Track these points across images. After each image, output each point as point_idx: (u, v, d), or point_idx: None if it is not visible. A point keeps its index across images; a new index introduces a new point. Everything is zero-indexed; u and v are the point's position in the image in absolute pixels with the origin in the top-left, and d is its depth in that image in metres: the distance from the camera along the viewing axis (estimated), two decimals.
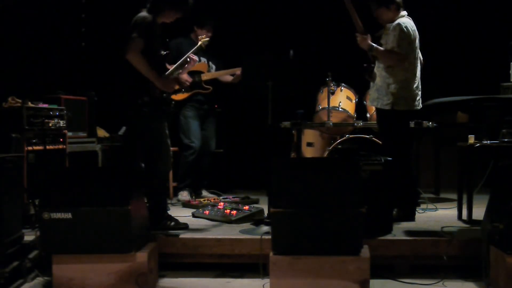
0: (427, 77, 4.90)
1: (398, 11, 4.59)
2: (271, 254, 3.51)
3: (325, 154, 5.59)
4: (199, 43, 4.87)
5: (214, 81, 5.91)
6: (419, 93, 4.62)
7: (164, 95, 4.27)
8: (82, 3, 6.48)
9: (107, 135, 5.92)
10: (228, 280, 3.93)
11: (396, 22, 4.51)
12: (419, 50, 4.76)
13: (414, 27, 4.56)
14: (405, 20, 4.53)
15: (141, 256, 3.60)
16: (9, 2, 5.52)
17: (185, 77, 5.12)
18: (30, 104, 4.66)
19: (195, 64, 4.68)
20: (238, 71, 5.69)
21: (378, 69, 4.63)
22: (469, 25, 6.64)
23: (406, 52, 4.46)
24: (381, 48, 4.52)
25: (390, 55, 4.50)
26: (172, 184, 6.02)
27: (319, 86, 5.78)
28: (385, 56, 4.52)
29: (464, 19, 6.66)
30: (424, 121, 5.26)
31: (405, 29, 4.46)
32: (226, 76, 5.90)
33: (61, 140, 4.94)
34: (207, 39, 4.91)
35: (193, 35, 5.83)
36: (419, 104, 4.62)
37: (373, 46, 4.50)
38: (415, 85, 4.56)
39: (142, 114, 4.19)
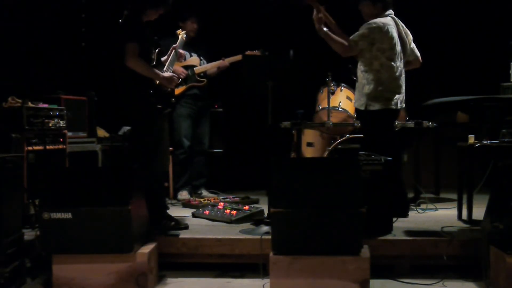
0: (428, 77, 4.90)
1: (384, 11, 4.54)
2: (271, 254, 3.51)
3: (325, 154, 5.59)
4: (179, 37, 4.85)
5: (209, 80, 5.95)
6: (398, 93, 4.51)
7: (169, 89, 4.29)
8: (82, 3, 6.47)
9: (107, 135, 5.91)
10: (228, 280, 3.94)
11: (371, 21, 4.46)
12: (414, 47, 4.72)
13: (391, 27, 4.46)
14: (378, 20, 4.46)
15: (141, 256, 3.60)
16: (9, 1, 5.52)
17: (180, 69, 5.15)
18: (30, 104, 4.65)
19: (182, 57, 4.72)
20: (225, 62, 5.82)
21: (358, 70, 4.62)
22: (469, 25, 6.63)
23: (359, 47, 4.41)
24: (330, 34, 4.46)
25: (336, 42, 4.44)
26: (171, 184, 6.03)
27: (319, 86, 5.78)
28: (331, 42, 4.46)
29: (464, 19, 6.65)
30: (424, 121, 5.25)
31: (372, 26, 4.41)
32: (214, 69, 5.96)
33: (61, 140, 4.93)
34: (184, 31, 4.89)
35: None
36: (397, 104, 4.52)
37: (323, 31, 4.44)
38: (391, 85, 4.48)
39: (146, 111, 4.18)
